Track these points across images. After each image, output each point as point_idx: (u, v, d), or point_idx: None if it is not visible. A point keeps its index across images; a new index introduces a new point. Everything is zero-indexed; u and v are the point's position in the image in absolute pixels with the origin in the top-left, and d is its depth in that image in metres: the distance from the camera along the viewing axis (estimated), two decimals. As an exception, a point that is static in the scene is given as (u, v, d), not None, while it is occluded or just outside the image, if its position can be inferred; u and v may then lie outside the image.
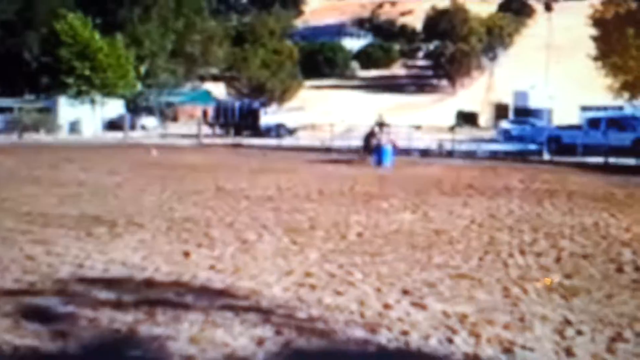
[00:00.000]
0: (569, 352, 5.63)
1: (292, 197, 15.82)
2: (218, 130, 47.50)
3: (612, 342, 5.91)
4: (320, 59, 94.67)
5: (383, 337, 5.99)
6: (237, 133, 43.19)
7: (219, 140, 41.05)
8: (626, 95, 36.05)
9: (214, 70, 72.73)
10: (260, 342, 5.84)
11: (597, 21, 38.02)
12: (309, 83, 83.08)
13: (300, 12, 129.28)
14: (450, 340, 5.92)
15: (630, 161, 27.42)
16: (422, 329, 6.20)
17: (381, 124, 30.03)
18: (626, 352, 5.63)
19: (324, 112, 60.39)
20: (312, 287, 7.63)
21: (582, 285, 7.89)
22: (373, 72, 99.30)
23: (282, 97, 69.11)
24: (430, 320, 6.47)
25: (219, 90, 72.54)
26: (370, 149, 27.49)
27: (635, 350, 5.70)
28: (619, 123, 32.14)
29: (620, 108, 40.01)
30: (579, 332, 6.15)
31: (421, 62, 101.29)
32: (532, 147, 33.47)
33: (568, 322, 6.43)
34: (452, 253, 9.68)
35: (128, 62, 49.15)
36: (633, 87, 35.08)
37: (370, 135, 28.62)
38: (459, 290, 7.60)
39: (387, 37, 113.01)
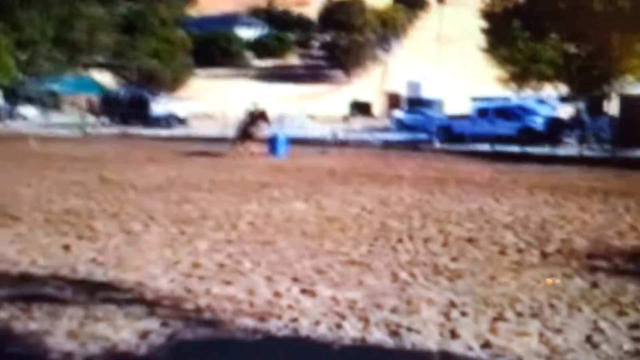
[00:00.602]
0: (453, 333, 5.70)
1: (182, 187, 15.44)
2: (104, 120, 46.04)
3: (495, 322, 6.03)
4: (214, 48, 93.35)
5: (272, 325, 5.87)
6: (125, 123, 42.02)
7: (105, 130, 39.75)
8: (513, 85, 37.58)
9: (101, 59, 70.21)
10: (143, 335, 5.59)
11: (487, 14, 39.33)
12: (203, 72, 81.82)
13: (194, 1, 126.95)
14: (339, 326, 5.87)
15: (515, 149, 28.62)
16: (311, 316, 6.13)
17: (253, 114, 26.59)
18: (508, 331, 5.76)
19: (218, 101, 59.61)
20: (200, 278, 7.41)
21: (467, 268, 8.07)
22: (268, 62, 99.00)
23: (173, 86, 67.74)
24: (320, 307, 6.41)
25: (106, 79, 70.19)
26: (253, 138, 25.54)
27: (517, 329, 5.84)
28: (505, 113, 33.59)
29: (507, 98, 41.72)
30: (463, 314, 6.26)
31: (316, 53, 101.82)
32: (424, 136, 34.35)
33: (453, 304, 6.53)
34: (343, 240, 9.68)
35: (7, 49, 46.64)
36: (520, 78, 36.60)
37: (249, 123, 26.08)
38: (348, 277, 7.58)
39: (282, 27, 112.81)
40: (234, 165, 21.21)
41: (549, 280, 5.82)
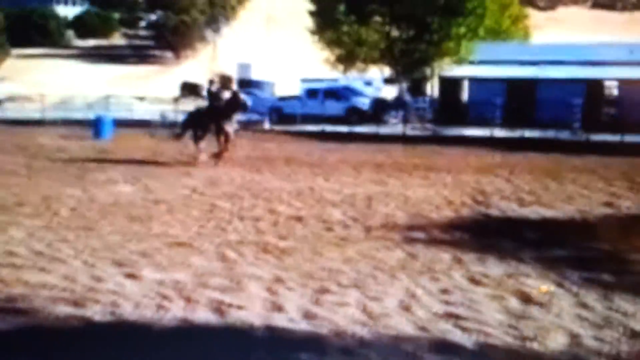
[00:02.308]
0: (279, 307, 5.79)
1: (-5, 173, 14.44)
2: None
3: (319, 294, 6.20)
4: (30, 26, 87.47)
5: (92, 311, 5.66)
6: None
7: None
8: (340, 67, 38.64)
9: None
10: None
11: (314, -3, 39.93)
12: (17, 52, 76.61)
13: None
14: (164, 308, 5.77)
15: (344, 128, 29.50)
16: (135, 300, 5.98)
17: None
18: (331, 303, 5.94)
19: (35, 82, 56.07)
20: (15, 267, 6.99)
21: (295, 245, 8.24)
22: (91, 42, 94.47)
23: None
24: (145, 290, 6.27)
25: None
26: (225, 133, 17.19)
27: (340, 300, 6.03)
28: (334, 94, 34.61)
29: (336, 80, 42.82)
30: (289, 288, 6.38)
31: (143, 33, 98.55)
32: (255, 117, 34.44)
33: (280, 280, 6.63)
34: (171, 223, 9.54)
35: None
36: (346, 60, 37.66)
37: (220, 111, 17.40)
38: (176, 259, 7.48)
39: (105, 5, 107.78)
40: (56, 148, 20.08)
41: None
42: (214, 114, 17.47)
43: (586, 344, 5.01)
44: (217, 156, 17.16)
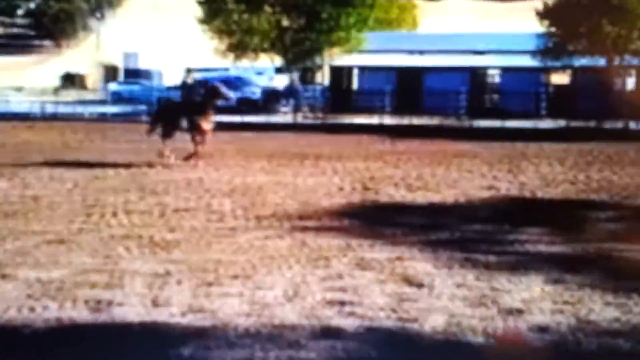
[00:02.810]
0: (163, 302, 5.62)
1: None
2: None
3: (209, 286, 6.09)
4: None
5: (-39, 316, 5.30)
6: None
7: None
8: (231, 56, 38.30)
9: None
10: None
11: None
12: None
13: None
14: (40, 308, 5.47)
15: (236, 118, 29.28)
16: (8, 301, 5.64)
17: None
18: (217, 295, 5.82)
19: None
20: None
21: (184, 238, 8.09)
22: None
23: None
24: (20, 290, 5.95)
25: None
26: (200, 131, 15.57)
27: (226, 291, 5.93)
28: (225, 84, 34.19)
29: (226, 69, 42.37)
30: (175, 282, 6.22)
31: (21, 21, 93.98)
32: (143, 107, 33.60)
33: (167, 274, 6.45)
34: (52, 219, 9.14)
35: None
36: (237, 49, 37.38)
37: (195, 107, 15.95)
38: (56, 256, 7.16)
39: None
40: None
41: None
42: (188, 109, 16.00)
43: (464, 322, 5.15)
44: (192, 156, 15.35)
